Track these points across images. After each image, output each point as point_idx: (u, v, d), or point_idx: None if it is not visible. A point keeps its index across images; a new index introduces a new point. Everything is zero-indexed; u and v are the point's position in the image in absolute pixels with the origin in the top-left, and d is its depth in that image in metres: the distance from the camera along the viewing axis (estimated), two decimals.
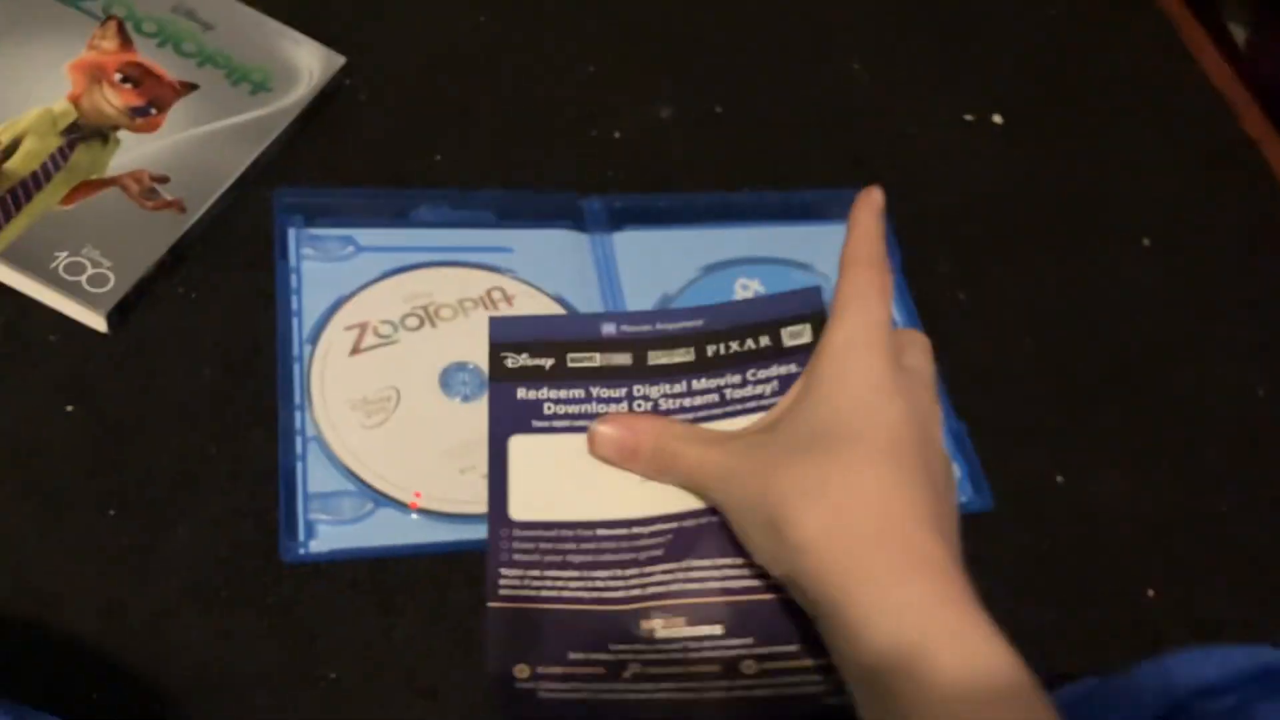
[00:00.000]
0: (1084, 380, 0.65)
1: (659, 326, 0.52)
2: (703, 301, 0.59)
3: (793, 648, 0.45)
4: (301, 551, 0.51)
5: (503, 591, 0.47)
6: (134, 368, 0.55)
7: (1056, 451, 0.62)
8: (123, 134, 0.60)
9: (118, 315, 0.55)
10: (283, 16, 0.67)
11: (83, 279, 0.55)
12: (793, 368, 0.50)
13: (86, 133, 0.60)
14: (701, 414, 0.50)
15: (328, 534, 0.52)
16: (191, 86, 0.62)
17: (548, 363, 0.51)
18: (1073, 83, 0.79)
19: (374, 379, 0.56)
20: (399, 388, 0.56)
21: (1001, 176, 0.73)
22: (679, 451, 0.47)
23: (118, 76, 0.62)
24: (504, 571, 0.47)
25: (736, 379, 0.50)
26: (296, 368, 0.56)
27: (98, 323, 0.55)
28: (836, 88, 0.75)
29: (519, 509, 0.48)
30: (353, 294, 0.59)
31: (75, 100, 0.60)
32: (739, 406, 0.50)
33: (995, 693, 0.37)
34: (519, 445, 0.50)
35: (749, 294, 0.62)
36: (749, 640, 0.44)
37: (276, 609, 0.50)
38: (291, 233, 0.60)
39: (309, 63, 0.65)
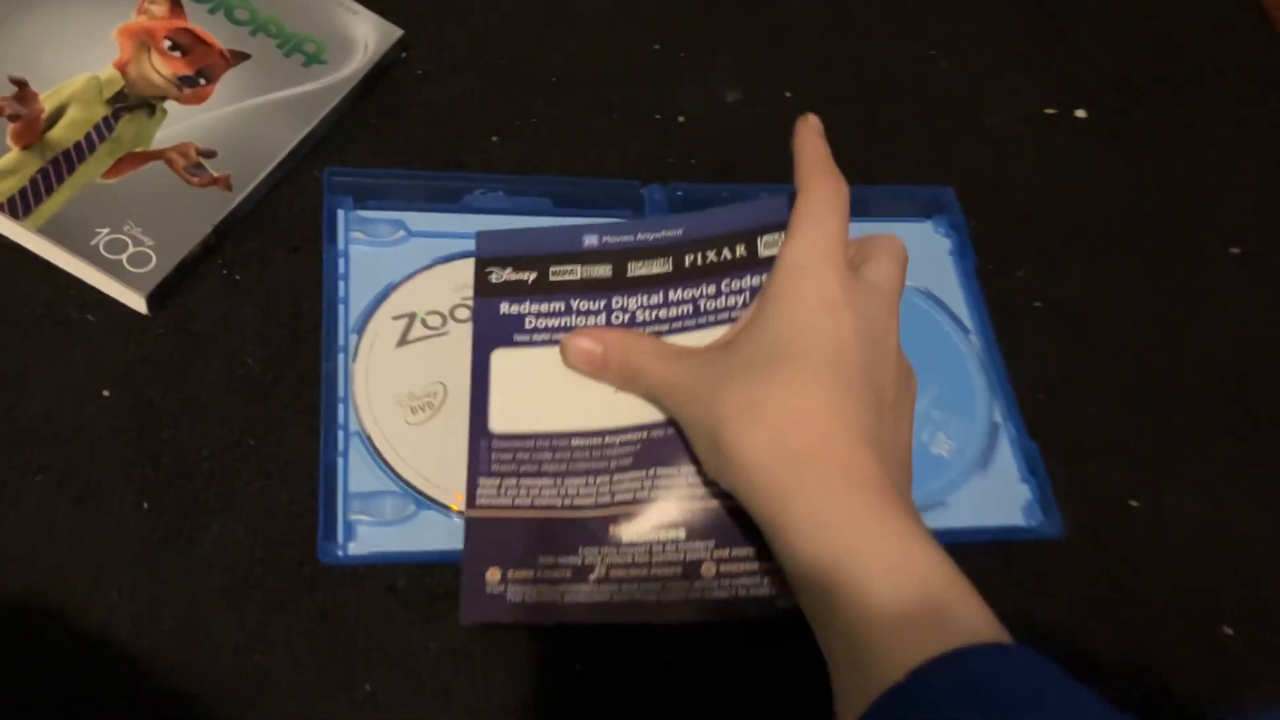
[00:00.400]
0: (1165, 396, 0.61)
1: (639, 236, 0.52)
2: None
3: (748, 551, 0.46)
4: (340, 554, 0.49)
5: (480, 501, 0.48)
6: (173, 353, 0.53)
7: (1133, 472, 0.59)
8: (170, 105, 0.58)
9: (158, 297, 0.53)
10: None
11: (124, 258, 0.53)
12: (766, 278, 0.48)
13: (133, 102, 0.57)
14: (676, 325, 0.49)
15: (368, 536, 0.50)
16: (243, 56, 0.60)
17: (530, 276, 0.51)
18: (1162, 76, 0.75)
19: (421, 373, 0.54)
20: (446, 383, 0.53)
21: (1083, 175, 0.69)
22: (641, 365, 0.47)
23: (167, 44, 0.59)
24: (482, 481, 0.48)
25: (711, 289, 0.49)
26: (341, 358, 0.53)
27: (138, 304, 0.53)
28: (913, 75, 0.72)
29: (499, 421, 0.49)
30: (402, 281, 0.56)
31: (122, 68, 0.58)
32: (712, 318, 0.49)
33: (920, 602, 0.38)
34: (501, 359, 0.50)
35: None
36: (709, 543, 0.45)
37: (312, 613, 0.48)
38: (340, 214, 0.57)
39: (365, 34, 0.62)
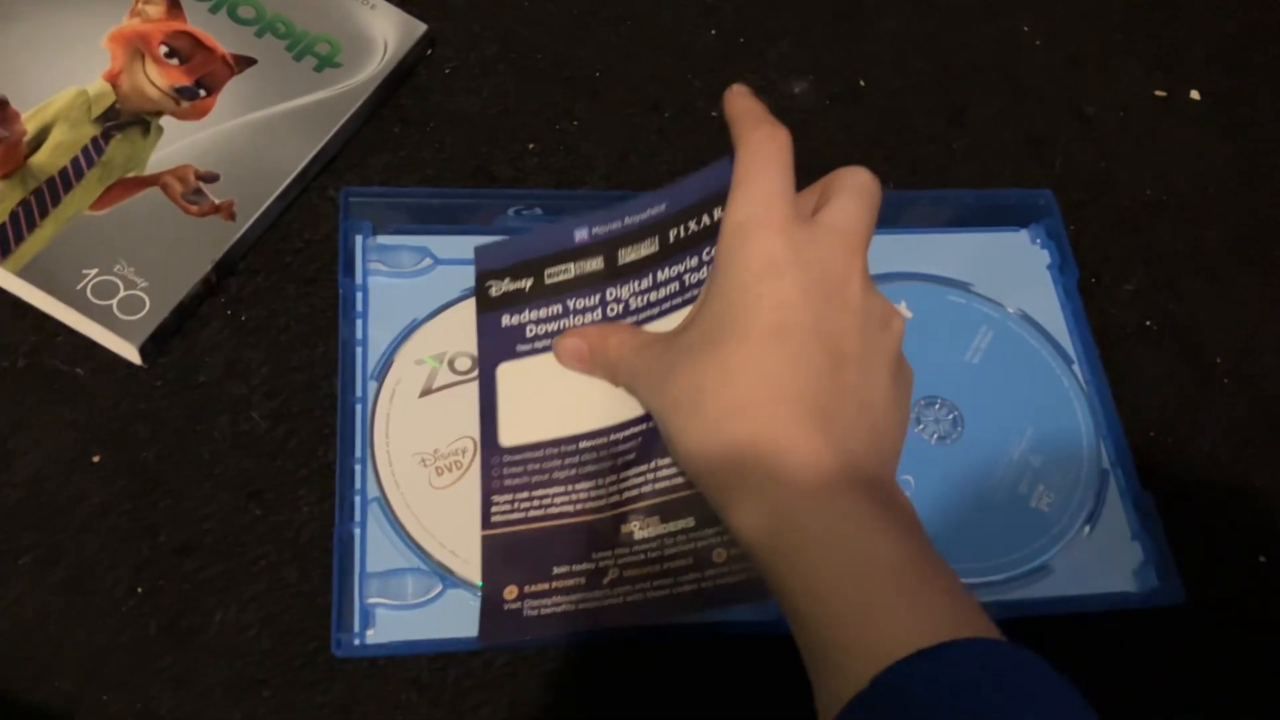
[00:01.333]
0: None
1: (627, 221, 0.49)
2: None
3: None
4: (356, 643, 0.43)
5: (494, 519, 0.46)
6: (171, 409, 0.48)
7: (1261, 523, 0.51)
8: (166, 121, 0.52)
9: (153, 345, 0.48)
10: None
11: (114, 303, 0.47)
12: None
13: (125, 120, 0.51)
14: (665, 306, 0.47)
15: (388, 622, 0.45)
16: (248, 62, 0.54)
17: (527, 284, 0.50)
18: None
19: (447, 427, 0.48)
20: (475, 438, 0.47)
21: (1199, 167, 0.62)
22: (616, 357, 0.45)
23: (162, 50, 0.53)
24: (495, 499, 0.46)
25: (694, 261, 0.46)
26: (359, 410, 0.47)
27: (131, 354, 0.47)
28: (1002, 54, 0.64)
29: (508, 435, 0.47)
30: (427, 318, 0.51)
31: (113, 80, 0.52)
32: (695, 292, 0.46)
33: (885, 594, 0.36)
34: (506, 372, 0.48)
35: None
36: (719, 527, 0.44)
37: (326, 713, 0.43)
38: (358, 241, 0.51)
39: (384, 31, 0.56)
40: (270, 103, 0.53)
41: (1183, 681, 0.48)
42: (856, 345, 0.40)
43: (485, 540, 0.46)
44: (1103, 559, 0.49)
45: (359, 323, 0.50)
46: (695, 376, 0.40)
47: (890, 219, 0.56)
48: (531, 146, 0.56)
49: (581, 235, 0.50)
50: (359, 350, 0.49)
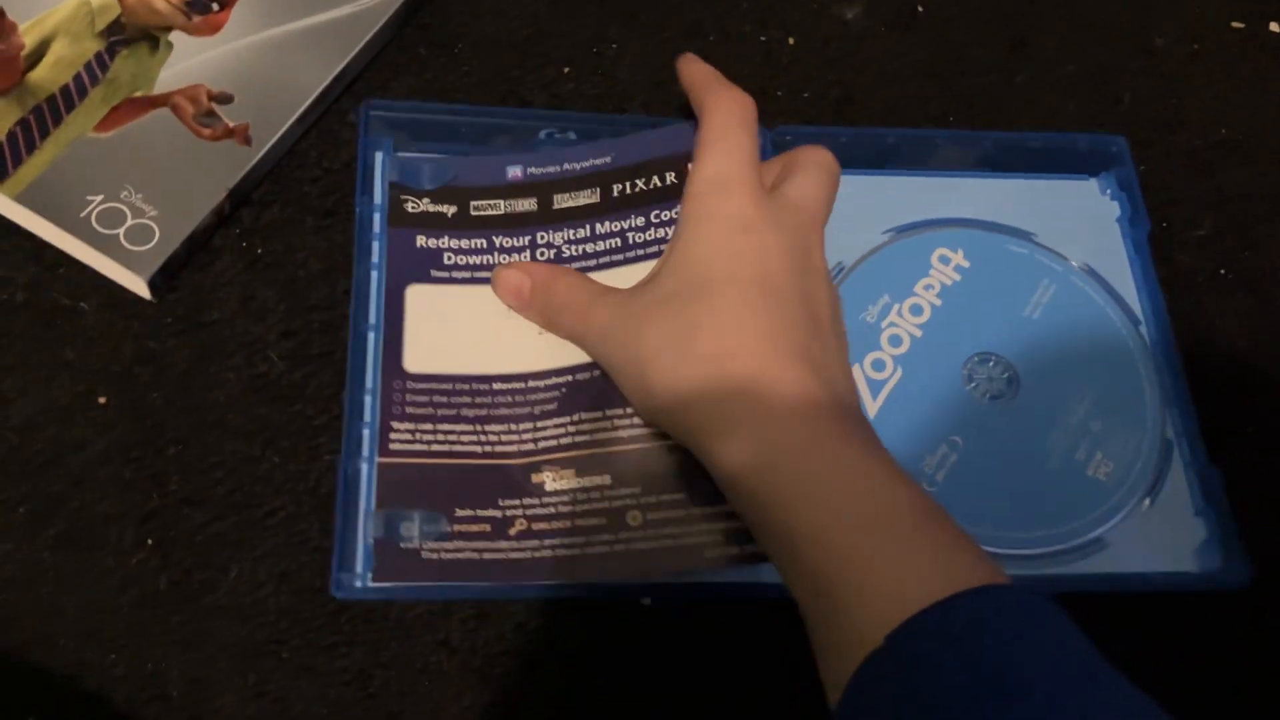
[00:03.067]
0: None
1: (566, 166, 0.49)
2: (890, 273, 0.50)
3: (678, 496, 0.44)
4: (358, 585, 0.41)
5: (393, 446, 0.44)
6: (180, 349, 0.45)
7: None
8: (175, 36, 0.49)
9: (164, 279, 0.45)
10: None
11: (121, 232, 0.44)
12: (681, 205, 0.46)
13: (131, 34, 0.48)
14: (604, 260, 0.47)
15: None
16: None
17: (450, 210, 0.48)
18: None
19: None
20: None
21: (1278, 106, 0.57)
22: (564, 303, 0.45)
23: None
24: (395, 425, 0.44)
25: (640, 221, 0.47)
26: (372, 339, 0.44)
27: (139, 287, 0.45)
28: None
29: (413, 361, 0.46)
30: None
31: None
32: (641, 251, 0.47)
33: (895, 542, 0.35)
34: (416, 294, 0.47)
35: (949, 269, 0.50)
36: (636, 490, 0.44)
37: (346, 678, 0.41)
38: (379, 159, 0.48)
39: None
40: (288, 18, 0.50)
41: (1241, 670, 0.46)
42: (828, 315, 0.42)
43: (381, 468, 0.43)
44: (1163, 535, 0.47)
45: (376, 245, 0.46)
46: (683, 320, 0.40)
47: (950, 161, 0.53)
48: (566, 71, 0.53)
49: (515, 172, 0.49)
50: (374, 275, 0.46)
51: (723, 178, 0.42)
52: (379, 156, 0.48)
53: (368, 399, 0.44)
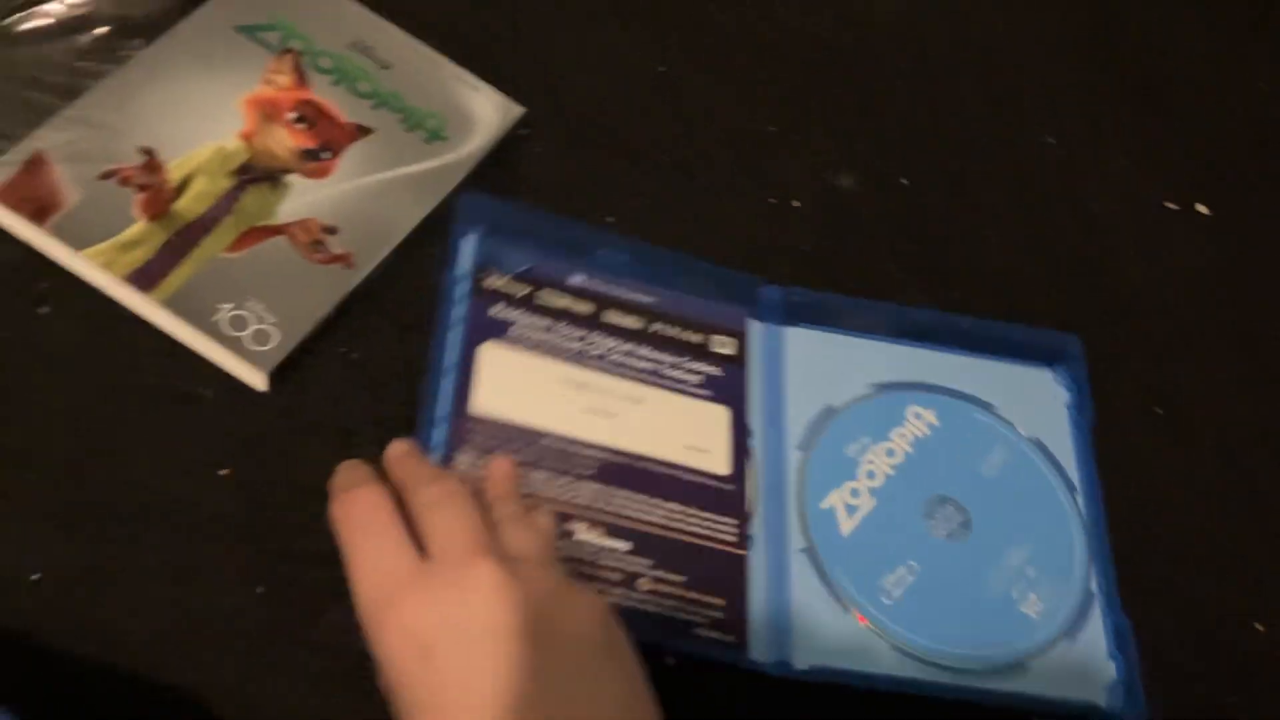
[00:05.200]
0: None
1: (617, 292, 0.59)
2: (871, 420, 0.59)
3: (682, 579, 0.52)
4: None
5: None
6: (291, 432, 0.54)
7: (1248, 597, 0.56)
8: (293, 178, 0.58)
9: (279, 375, 0.53)
10: (458, 57, 0.63)
11: (245, 335, 0.53)
12: (718, 371, 0.58)
13: (257, 175, 0.58)
14: (643, 377, 0.57)
15: None
16: (366, 131, 0.60)
17: (522, 291, 0.58)
18: None
19: None
20: None
21: (1206, 275, 0.68)
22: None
23: (291, 116, 0.59)
24: (458, 458, 0.52)
25: (669, 361, 0.58)
26: (445, 382, 0.54)
27: (259, 381, 0.53)
28: (1026, 162, 0.70)
29: (481, 405, 0.54)
30: None
31: (248, 139, 0.58)
32: (670, 384, 0.57)
33: None
34: (489, 352, 0.55)
35: (921, 424, 0.60)
36: (649, 562, 0.51)
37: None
38: (470, 242, 0.58)
39: (486, 111, 0.63)
40: (386, 167, 0.60)
41: None
42: (575, 661, 0.41)
43: None
44: (1078, 670, 0.55)
45: (455, 309, 0.55)
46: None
47: (928, 334, 0.62)
48: (611, 219, 0.63)
49: (578, 279, 0.59)
50: (451, 333, 0.55)
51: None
52: (471, 238, 0.57)
53: (434, 431, 0.53)
